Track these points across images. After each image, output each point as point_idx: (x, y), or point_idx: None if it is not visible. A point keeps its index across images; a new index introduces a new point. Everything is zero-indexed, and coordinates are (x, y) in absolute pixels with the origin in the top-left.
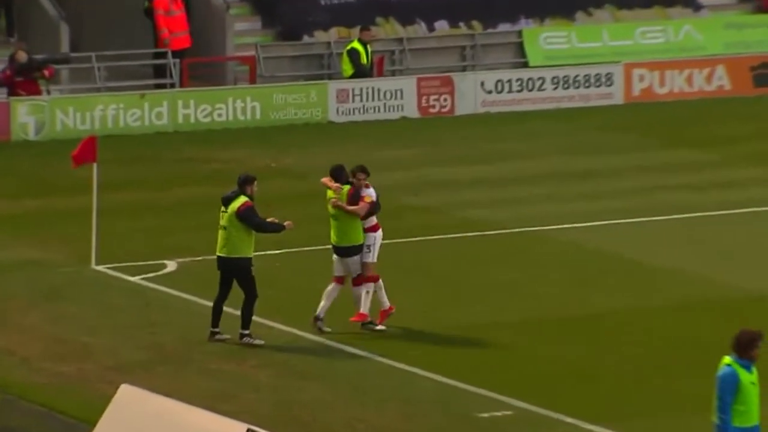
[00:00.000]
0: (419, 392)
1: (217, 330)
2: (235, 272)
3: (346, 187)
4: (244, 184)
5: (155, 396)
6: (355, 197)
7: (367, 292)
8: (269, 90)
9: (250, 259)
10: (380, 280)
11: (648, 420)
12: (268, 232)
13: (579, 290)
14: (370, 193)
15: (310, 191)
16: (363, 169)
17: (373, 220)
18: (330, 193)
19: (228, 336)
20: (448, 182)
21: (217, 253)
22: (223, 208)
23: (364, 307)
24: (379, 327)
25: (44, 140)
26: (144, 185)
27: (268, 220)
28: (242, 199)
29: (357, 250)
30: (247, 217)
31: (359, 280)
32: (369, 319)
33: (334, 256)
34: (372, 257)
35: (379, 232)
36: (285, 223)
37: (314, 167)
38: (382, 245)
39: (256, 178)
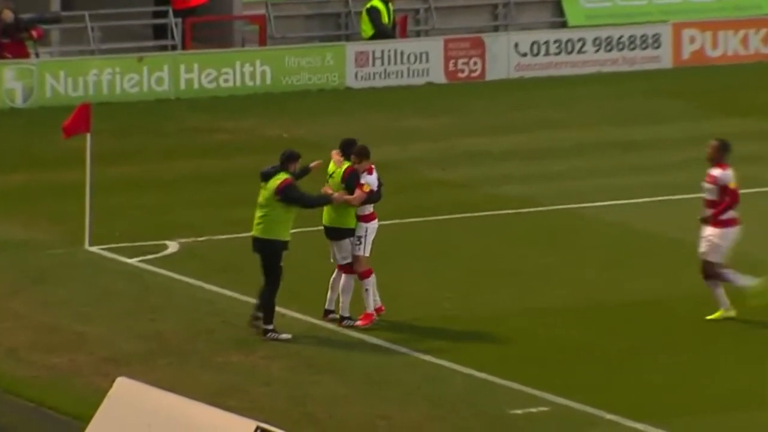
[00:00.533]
0: (446, 387)
1: (260, 315)
2: (265, 253)
3: (346, 164)
4: (288, 161)
5: (155, 390)
6: (351, 180)
7: (367, 290)
8: (281, 53)
9: (286, 242)
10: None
11: (697, 418)
12: (314, 207)
13: (621, 274)
14: (370, 181)
15: (325, 164)
16: (359, 152)
17: (369, 208)
18: (332, 167)
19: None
20: (478, 154)
21: (252, 233)
22: (262, 183)
23: (369, 307)
24: (359, 323)
25: (32, 108)
26: (142, 158)
27: (323, 190)
28: (282, 176)
29: (347, 233)
30: (289, 196)
31: (347, 269)
32: (378, 313)
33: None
34: (362, 250)
35: (373, 224)
36: (333, 196)
37: (330, 138)
38: (375, 239)
39: (301, 156)
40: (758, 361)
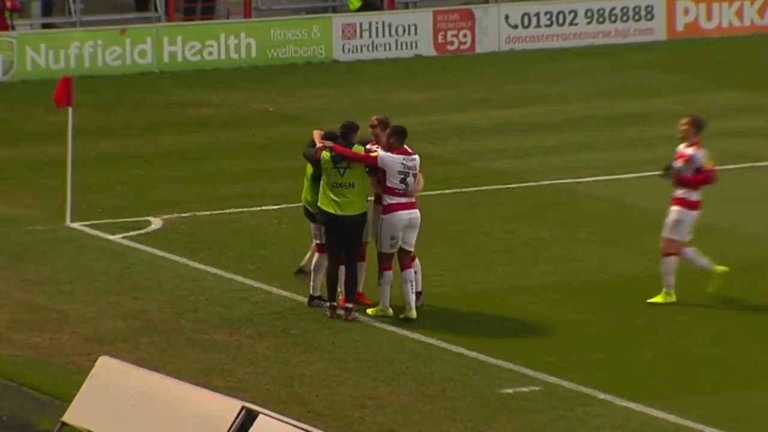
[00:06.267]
0: (436, 366)
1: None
2: (357, 229)
3: (360, 148)
4: (350, 132)
5: (139, 370)
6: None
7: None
8: (266, 25)
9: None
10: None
11: (696, 398)
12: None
13: (615, 251)
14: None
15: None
16: (392, 127)
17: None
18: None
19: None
20: (468, 129)
21: (340, 212)
22: (335, 165)
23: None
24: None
25: (12, 81)
26: (126, 132)
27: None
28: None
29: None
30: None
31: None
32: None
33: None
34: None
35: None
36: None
37: (317, 112)
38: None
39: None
40: (753, 341)
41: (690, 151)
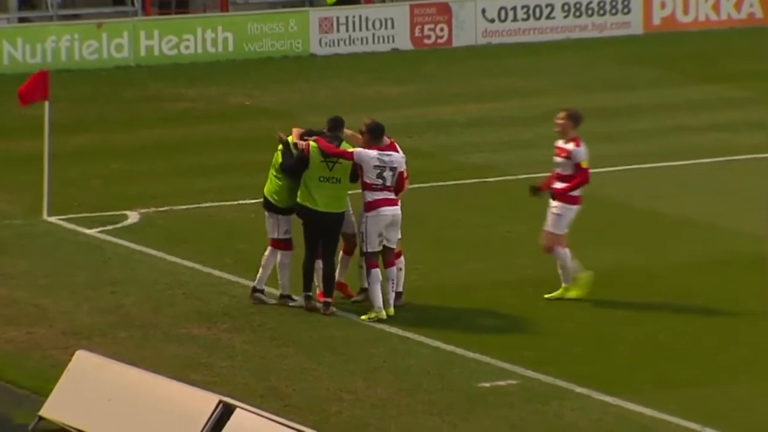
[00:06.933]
0: (413, 360)
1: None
2: (337, 227)
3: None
4: (339, 127)
5: (116, 364)
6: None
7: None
8: (243, 19)
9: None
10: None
11: (671, 391)
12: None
13: (591, 245)
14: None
15: (289, 133)
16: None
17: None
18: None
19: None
20: (445, 123)
21: (324, 209)
22: (326, 160)
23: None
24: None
25: None
26: (102, 126)
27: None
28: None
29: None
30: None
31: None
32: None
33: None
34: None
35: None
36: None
37: (294, 106)
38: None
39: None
40: (731, 335)
41: (570, 146)
